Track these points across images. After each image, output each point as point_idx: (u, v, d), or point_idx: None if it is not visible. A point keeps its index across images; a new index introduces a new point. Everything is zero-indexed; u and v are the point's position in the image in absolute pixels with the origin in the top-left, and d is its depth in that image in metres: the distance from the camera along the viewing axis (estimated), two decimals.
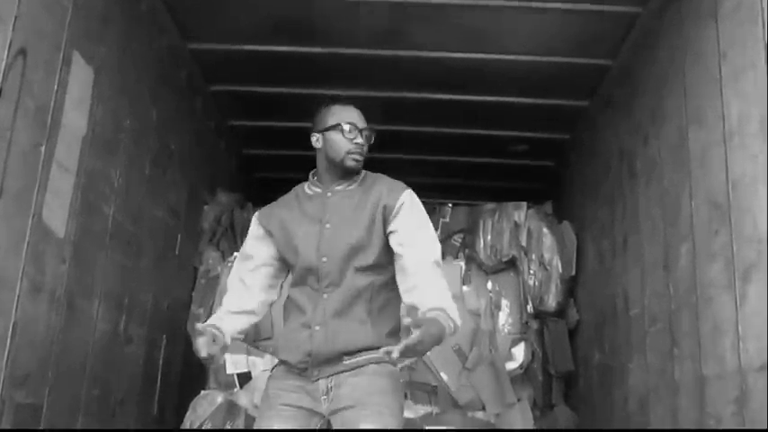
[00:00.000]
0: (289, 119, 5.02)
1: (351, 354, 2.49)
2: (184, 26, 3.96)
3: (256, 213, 2.76)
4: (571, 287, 4.70)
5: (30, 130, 2.53)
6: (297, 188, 2.74)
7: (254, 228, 2.75)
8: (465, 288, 4.28)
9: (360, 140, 2.57)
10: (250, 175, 6.15)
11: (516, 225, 4.78)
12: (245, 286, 2.71)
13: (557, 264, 4.66)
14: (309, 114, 4.93)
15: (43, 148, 2.61)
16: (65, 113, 2.75)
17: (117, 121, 3.32)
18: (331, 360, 2.50)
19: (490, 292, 4.51)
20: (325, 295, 2.52)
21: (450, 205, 5.09)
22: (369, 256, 2.53)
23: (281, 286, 2.80)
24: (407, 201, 2.55)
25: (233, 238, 4.79)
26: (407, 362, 2.41)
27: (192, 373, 4.38)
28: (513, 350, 4.25)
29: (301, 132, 5.16)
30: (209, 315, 4.03)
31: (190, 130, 4.45)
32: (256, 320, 2.75)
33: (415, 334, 2.15)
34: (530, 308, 4.41)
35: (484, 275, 4.60)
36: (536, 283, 4.61)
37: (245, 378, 4.03)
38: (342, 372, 2.49)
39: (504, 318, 4.32)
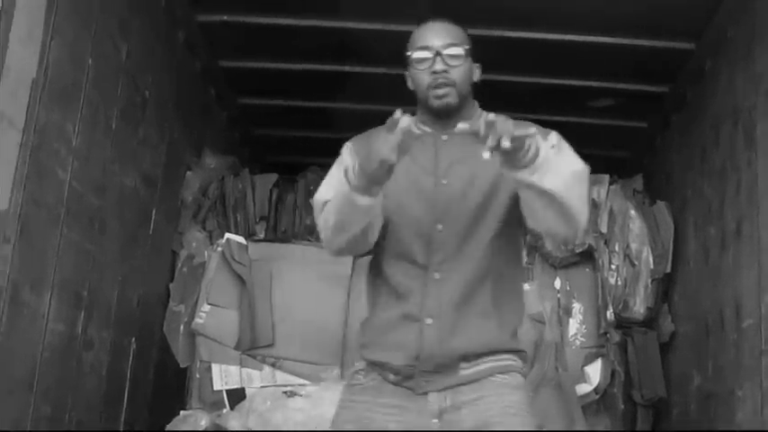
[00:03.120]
0: (299, 59, 5.10)
1: (470, 359, 2.43)
2: None
3: (349, 142, 2.57)
4: (665, 289, 4.72)
5: None
6: None
7: (348, 153, 2.51)
8: (526, 287, 4.29)
9: (438, 66, 2.44)
10: (247, 132, 6.21)
11: (595, 205, 4.77)
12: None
13: (647, 257, 4.67)
14: (324, 55, 5.06)
15: None
16: (9, 52, 2.78)
17: (76, 61, 3.35)
18: (446, 367, 2.42)
19: (558, 292, 4.53)
20: (437, 275, 2.44)
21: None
22: (495, 221, 2.46)
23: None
24: (556, 142, 2.35)
25: (223, 214, 4.84)
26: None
27: (169, 388, 4.46)
28: (587, 369, 4.26)
29: (313, 77, 5.38)
30: (192, 313, 4.10)
31: (169, 73, 4.49)
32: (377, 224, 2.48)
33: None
34: (610, 314, 4.40)
35: (551, 271, 4.62)
36: (619, 283, 4.61)
37: (236, 396, 4.09)
38: (460, 385, 2.42)
39: (576, 326, 4.33)
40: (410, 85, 2.56)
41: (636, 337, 4.56)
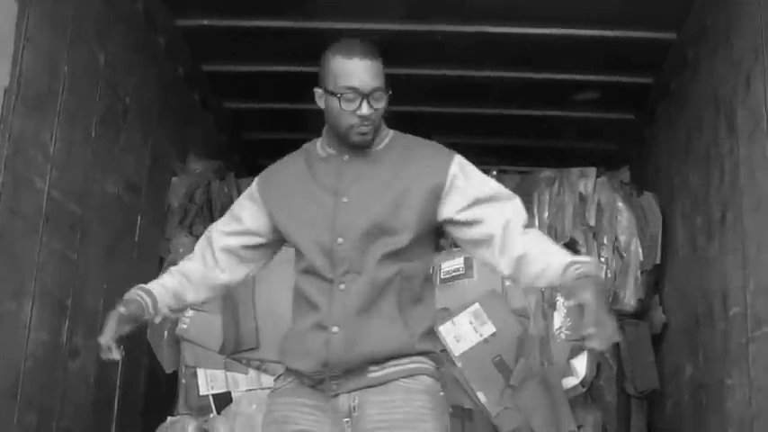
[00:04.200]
0: (284, 61, 5.08)
1: (378, 362, 2.55)
2: None
3: (258, 177, 2.84)
4: (656, 280, 4.68)
5: None
6: (308, 146, 2.79)
7: (252, 192, 2.83)
8: (507, 282, 4.27)
9: (364, 111, 2.53)
10: (234, 137, 6.20)
11: (582, 198, 4.76)
12: (212, 250, 2.84)
13: (636, 249, 4.64)
14: (310, 55, 5.05)
15: None
16: None
17: (51, 68, 3.34)
18: (353, 371, 2.54)
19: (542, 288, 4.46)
20: (341, 286, 2.56)
21: (494, 173, 5.01)
22: (402, 239, 2.57)
23: (253, 273, 2.98)
24: (458, 171, 2.62)
25: (210, 218, 4.80)
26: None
27: (161, 395, 4.44)
28: (573, 362, 4.22)
29: (301, 79, 5.33)
30: (175, 320, 4.08)
31: (151, 79, 4.48)
32: (200, 300, 2.98)
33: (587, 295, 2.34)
34: None
35: None
36: (609, 275, 4.59)
37: (223, 400, 4.07)
38: (368, 387, 2.54)
39: (561, 319, 4.30)
40: (321, 104, 2.64)
41: (627, 329, 4.52)
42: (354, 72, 2.53)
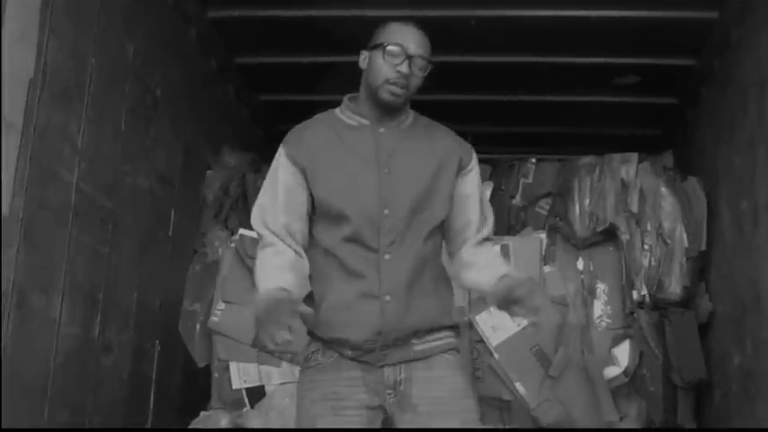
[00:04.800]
0: (318, 52, 5.03)
1: (420, 335, 2.62)
2: None
3: (282, 146, 2.75)
4: (701, 267, 4.57)
5: None
6: (324, 116, 2.81)
7: (282, 163, 2.72)
8: (547, 269, 4.21)
9: (404, 69, 2.60)
10: (270, 129, 6.14)
11: (624, 184, 4.68)
12: (293, 237, 2.65)
13: (681, 235, 4.55)
14: (343, 45, 5.01)
15: None
16: (3, 50, 2.74)
17: (78, 60, 3.31)
18: (402, 341, 2.60)
19: (582, 273, 4.42)
20: (386, 256, 2.60)
21: (533, 161, 5.02)
22: (438, 213, 2.68)
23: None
24: (476, 162, 2.80)
25: (245, 211, 4.77)
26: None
27: (198, 389, 4.40)
28: (615, 351, 4.17)
29: (335, 69, 5.31)
30: (208, 312, 4.05)
31: (182, 72, 4.45)
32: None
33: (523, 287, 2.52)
34: (636, 294, 4.31)
35: (573, 251, 4.51)
36: (653, 263, 4.50)
37: (256, 394, 4.04)
38: (412, 360, 2.61)
39: (602, 307, 4.24)
40: (363, 65, 2.72)
41: (673, 318, 4.44)
42: (406, 34, 2.66)
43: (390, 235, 2.60)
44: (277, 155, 2.75)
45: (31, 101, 2.95)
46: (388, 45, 2.62)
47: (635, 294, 4.34)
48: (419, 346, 2.62)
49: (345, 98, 2.79)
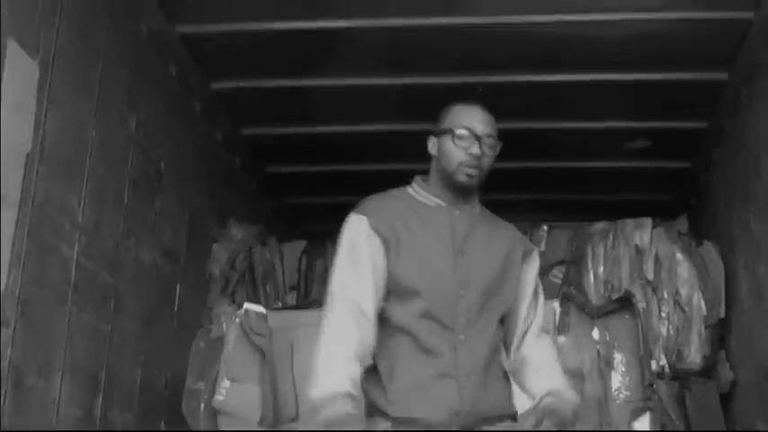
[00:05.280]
0: (330, 121, 5.03)
1: (491, 421, 2.60)
2: (170, 6, 3.93)
3: (360, 214, 2.71)
4: (721, 335, 4.49)
5: None
6: (398, 192, 2.83)
7: (365, 232, 2.67)
8: (561, 339, 4.14)
9: (475, 151, 2.67)
10: (279, 201, 6.12)
11: (638, 250, 4.65)
12: (365, 317, 2.60)
13: (698, 303, 4.50)
14: (350, 114, 4.99)
15: None
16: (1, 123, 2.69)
17: (78, 132, 3.26)
18: (474, 425, 2.57)
19: (597, 343, 4.37)
20: (462, 336, 2.61)
21: (545, 227, 4.99)
22: (508, 299, 2.74)
23: None
24: (537, 254, 2.89)
25: (252, 285, 4.74)
26: None
27: None
28: (635, 423, 4.09)
29: (343, 140, 5.29)
30: (212, 390, 3.95)
31: (187, 144, 4.40)
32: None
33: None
34: (654, 364, 4.23)
35: (588, 320, 4.46)
36: (671, 332, 4.46)
37: None
38: None
39: (620, 379, 4.18)
40: (433, 150, 2.79)
41: (694, 388, 4.36)
42: (473, 116, 2.74)
43: (466, 315, 2.62)
44: (354, 223, 2.70)
45: (29, 174, 2.88)
46: (456, 129, 2.70)
47: (654, 365, 4.26)
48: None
49: (417, 177, 2.84)
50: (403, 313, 2.62)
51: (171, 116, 4.18)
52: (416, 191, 2.79)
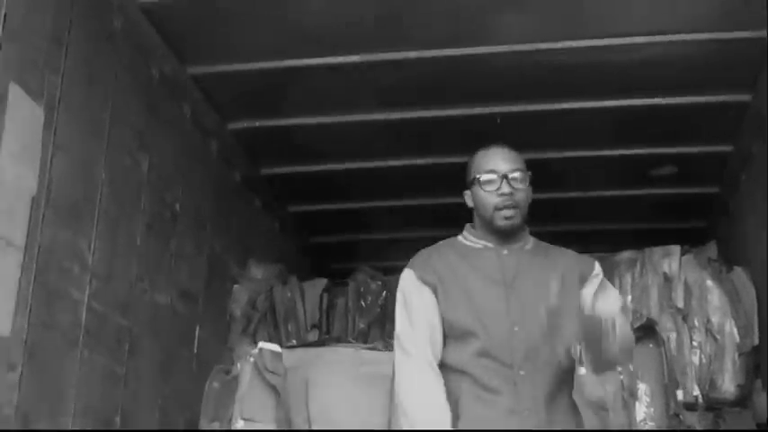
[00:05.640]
0: (350, 157, 5.05)
1: None
2: (180, 48, 3.96)
3: (409, 268, 2.84)
4: (756, 362, 4.40)
5: None
6: (449, 241, 2.90)
7: (414, 284, 2.80)
8: (582, 370, 4.05)
9: (505, 189, 2.70)
10: (303, 241, 6.10)
11: (667, 278, 4.61)
12: (433, 371, 2.71)
13: (731, 330, 4.44)
14: (379, 149, 4.98)
15: None
16: (0, 168, 2.69)
17: (87, 176, 3.27)
18: None
19: (621, 373, 4.26)
20: (521, 372, 2.61)
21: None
22: (571, 332, 2.65)
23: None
24: (600, 272, 2.82)
25: (274, 325, 4.71)
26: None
27: None
28: None
29: (363, 175, 5.26)
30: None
31: (203, 185, 4.40)
32: None
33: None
34: (686, 394, 4.14)
35: None
36: (703, 360, 4.39)
37: None
38: None
39: (644, 410, 4.09)
40: (470, 203, 2.83)
41: (728, 418, 4.30)
42: (492, 157, 2.78)
43: (523, 351, 2.63)
44: (404, 277, 2.82)
45: (35, 218, 2.89)
46: (481, 176, 2.74)
47: (680, 394, 4.17)
48: None
49: (467, 225, 2.88)
50: (460, 355, 2.68)
51: (186, 157, 4.18)
52: (466, 237, 2.85)
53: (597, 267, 2.84)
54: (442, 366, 2.70)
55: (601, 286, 2.67)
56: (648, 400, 4.08)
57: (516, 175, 2.73)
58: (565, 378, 2.70)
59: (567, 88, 4.37)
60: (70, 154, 3.11)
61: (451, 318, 2.71)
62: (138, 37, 3.67)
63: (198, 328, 4.29)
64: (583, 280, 2.75)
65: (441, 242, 2.90)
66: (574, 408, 2.71)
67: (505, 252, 2.76)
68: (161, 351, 3.87)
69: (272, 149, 4.96)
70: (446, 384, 2.67)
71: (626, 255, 4.72)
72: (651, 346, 4.32)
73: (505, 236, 2.76)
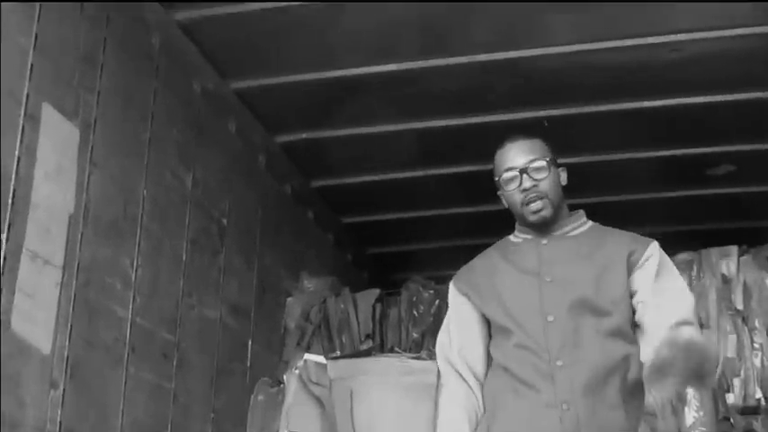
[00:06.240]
0: (405, 165, 5.02)
1: None
2: (222, 64, 3.98)
3: (453, 280, 2.93)
4: None
5: None
6: (499, 242, 2.92)
7: (453, 295, 2.91)
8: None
9: (526, 184, 2.67)
10: (359, 251, 6.08)
11: (725, 280, 4.51)
12: (471, 371, 2.79)
13: None
14: (434, 157, 4.93)
15: (4, 236, 2.59)
16: (34, 187, 2.72)
17: (127, 193, 3.29)
18: None
19: None
20: (559, 362, 2.55)
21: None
22: (614, 318, 2.60)
23: None
24: (656, 253, 2.70)
25: (328, 337, 4.70)
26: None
27: None
28: None
29: (420, 182, 5.21)
30: None
31: (251, 199, 4.41)
32: None
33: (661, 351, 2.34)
34: (732, 396, 4.01)
35: None
36: (765, 363, 4.28)
37: None
38: None
39: (694, 415, 3.94)
40: (504, 204, 2.81)
41: None
42: (507, 153, 2.75)
43: (559, 341, 2.56)
44: (449, 291, 2.92)
45: (73, 236, 2.91)
46: (500, 177, 2.74)
47: (731, 397, 4.05)
48: None
49: (516, 224, 2.86)
50: (502, 350, 2.68)
51: (233, 172, 4.19)
52: (515, 234, 2.86)
53: (652, 248, 2.73)
54: (491, 365, 2.73)
55: (660, 272, 2.64)
56: (698, 404, 3.95)
57: (534, 165, 2.70)
58: (612, 367, 2.57)
59: (617, 88, 4.29)
60: (108, 172, 3.14)
61: (489, 314, 2.74)
62: (178, 54, 3.69)
63: (250, 342, 4.30)
64: (633, 263, 2.67)
65: (496, 243, 2.92)
66: (624, 404, 2.57)
67: (544, 242, 2.74)
68: (211, 365, 3.88)
69: (322, 161, 4.96)
70: (490, 380, 2.70)
71: (682, 257, 4.60)
72: None
73: (542, 227, 2.74)
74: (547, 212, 2.69)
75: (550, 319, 2.60)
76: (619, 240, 2.75)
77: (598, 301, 2.61)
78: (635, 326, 2.65)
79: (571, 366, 2.54)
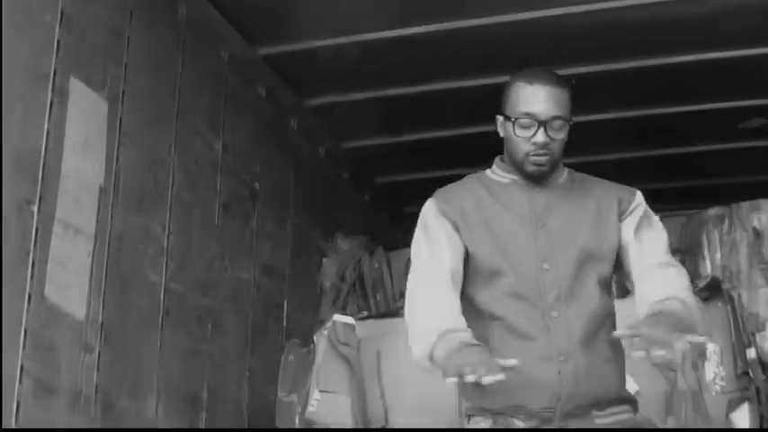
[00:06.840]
0: (430, 127, 5.00)
1: (602, 407, 2.37)
2: (249, 30, 4.02)
3: (432, 200, 2.58)
4: None
5: (11, 187, 2.58)
6: (475, 175, 2.65)
7: (434, 215, 2.54)
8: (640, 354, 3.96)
9: (539, 139, 2.43)
10: (394, 210, 6.10)
11: (757, 233, 4.48)
12: (446, 283, 2.46)
13: None
14: (462, 117, 4.85)
15: (35, 207, 2.66)
16: (64, 160, 2.79)
17: (157, 161, 3.36)
18: (582, 411, 2.36)
19: None
20: (554, 313, 2.41)
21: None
22: (604, 266, 2.50)
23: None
24: (643, 203, 2.58)
25: (363, 296, 4.75)
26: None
27: None
28: (733, 416, 3.82)
29: (454, 142, 5.22)
30: (305, 403, 3.97)
31: (283, 162, 4.47)
32: None
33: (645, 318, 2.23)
34: (753, 352, 3.98)
35: None
36: None
37: None
38: None
39: (714, 370, 3.93)
40: (501, 131, 2.56)
41: None
42: (533, 98, 2.45)
43: (555, 290, 2.43)
44: (425, 211, 2.57)
45: (104, 206, 2.98)
46: (516, 119, 2.44)
47: (751, 353, 4.02)
48: (602, 419, 2.36)
49: (497, 158, 2.62)
50: (489, 295, 2.46)
51: (263, 137, 4.24)
52: (495, 171, 2.60)
53: (639, 197, 2.58)
54: (473, 311, 2.46)
55: (643, 220, 2.52)
56: (718, 359, 3.92)
57: (557, 123, 2.44)
58: (603, 319, 2.44)
59: (649, 45, 4.25)
60: (137, 142, 3.20)
61: (477, 253, 2.48)
62: (204, 22, 3.73)
63: (285, 302, 4.37)
64: (622, 211, 2.52)
65: (468, 176, 2.66)
66: (614, 356, 2.44)
67: (538, 189, 2.54)
68: (246, 326, 3.96)
69: (353, 123, 4.98)
70: (478, 331, 2.38)
71: (713, 211, 4.58)
72: (720, 305, 4.15)
73: (534, 177, 2.53)
74: (547, 168, 2.50)
75: (546, 267, 2.45)
76: (606, 188, 2.60)
77: (594, 250, 2.48)
78: (618, 272, 2.56)
79: (567, 317, 2.41)
